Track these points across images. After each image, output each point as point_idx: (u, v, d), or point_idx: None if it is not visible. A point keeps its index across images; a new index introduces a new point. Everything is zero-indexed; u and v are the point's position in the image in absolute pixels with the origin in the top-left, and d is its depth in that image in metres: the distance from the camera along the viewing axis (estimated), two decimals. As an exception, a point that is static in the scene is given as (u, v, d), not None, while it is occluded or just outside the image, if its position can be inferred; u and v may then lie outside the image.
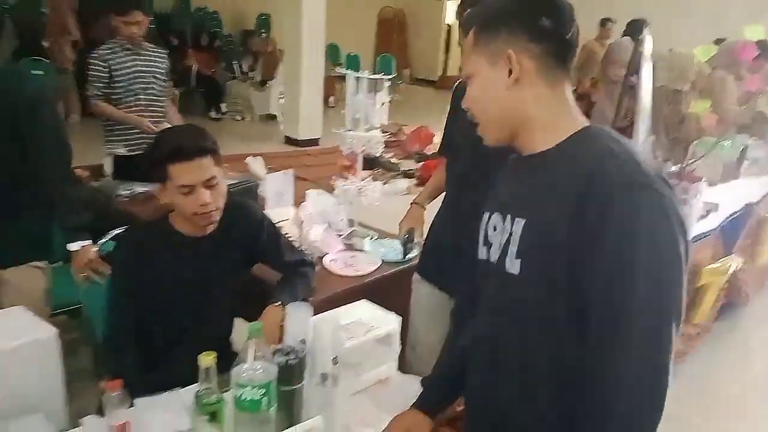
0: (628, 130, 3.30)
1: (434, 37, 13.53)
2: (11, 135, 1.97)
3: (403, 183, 5.85)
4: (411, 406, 1.41)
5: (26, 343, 1.58)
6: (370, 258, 2.32)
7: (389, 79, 2.36)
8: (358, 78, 2.31)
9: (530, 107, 1.07)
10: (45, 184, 2.05)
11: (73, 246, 2.06)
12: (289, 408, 1.38)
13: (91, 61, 3.25)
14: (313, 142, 7.81)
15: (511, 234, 1.07)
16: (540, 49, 1.04)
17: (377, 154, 2.42)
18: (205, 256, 1.82)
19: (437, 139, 7.03)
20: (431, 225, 2.08)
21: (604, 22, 7.45)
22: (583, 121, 1.09)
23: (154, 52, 3.37)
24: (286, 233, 2.23)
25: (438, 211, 2.06)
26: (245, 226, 1.90)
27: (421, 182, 5.96)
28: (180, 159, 1.66)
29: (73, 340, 2.66)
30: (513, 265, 1.07)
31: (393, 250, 2.39)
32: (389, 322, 1.69)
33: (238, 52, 10.11)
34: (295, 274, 1.94)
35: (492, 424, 1.19)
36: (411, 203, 2.24)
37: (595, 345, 0.97)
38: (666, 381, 0.95)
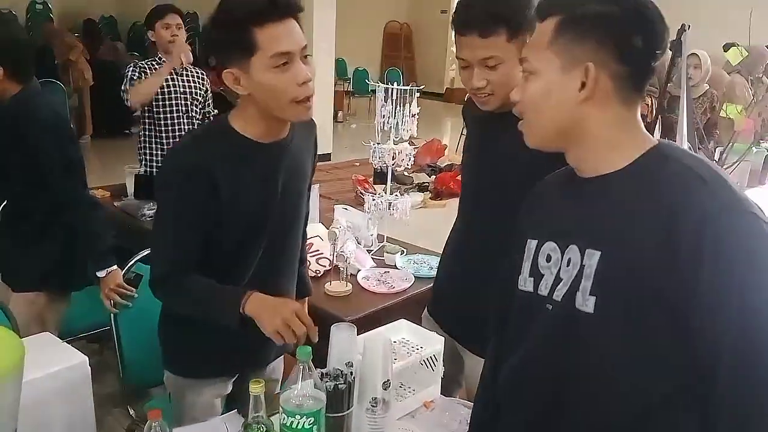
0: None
1: (440, 50, 13.53)
2: (24, 160, 1.95)
3: (418, 196, 5.79)
4: None
5: (57, 371, 1.53)
6: (403, 274, 2.25)
7: (418, 90, 2.30)
8: (386, 90, 2.26)
9: (597, 126, 0.97)
10: (63, 209, 2.01)
11: (100, 273, 2.01)
12: (338, 436, 1.31)
13: (130, 68, 3.11)
14: (325, 157, 7.77)
15: (583, 267, 0.96)
16: (624, 70, 0.93)
17: (408, 167, 2.36)
18: (285, 166, 1.46)
19: (449, 152, 6.99)
20: (441, 257, 1.85)
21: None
22: (651, 138, 0.99)
23: (192, 73, 3.27)
24: (317, 250, 2.17)
25: (447, 241, 1.81)
26: (307, 128, 1.57)
27: (436, 195, 5.91)
28: (272, 17, 1.26)
29: (94, 364, 2.60)
30: (586, 302, 0.95)
31: (425, 265, 2.32)
32: (433, 342, 1.62)
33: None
34: (304, 253, 1.78)
35: None
36: None
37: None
38: None
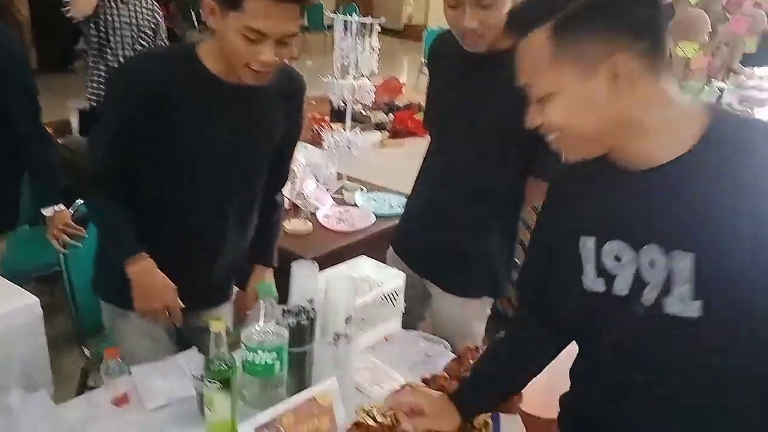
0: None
1: (398, -15, 13.18)
2: None
3: (376, 135, 5.73)
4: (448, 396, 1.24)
5: (7, 312, 1.50)
6: (364, 212, 2.24)
7: (380, 24, 2.23)
8: (345, 23, 2.18)
9: (640, 112, 0.88)
10: (24, 147, 1.91)
11: (47, 211, 1.93)
12: (300, 370, 1.32)
13: None
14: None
15: (672, 270, 0.89)
16: (644, 45, 0.86)
17: (369, 104, 2.32)
18: (245, 112, 1.43)
19: (406, 91, 6.91)
20: (409, 198, 1.80)
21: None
22: (699, 110, 0.91)
23: (140, 3, 3.06)
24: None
25: (414, 187, 1.75)
26: (291, 88, 1.53)
27: (394, 134, 5.86)
28: None
29: (45, 306, 2.54)
30: (687, 308, 0.89)
31: (385, 203, 2.31)
32: (394, 278, 1.63)
33: (195, 1, 9.70)
34: (275, 218, 1.71)
35: None
36: None
37: None
38: None
